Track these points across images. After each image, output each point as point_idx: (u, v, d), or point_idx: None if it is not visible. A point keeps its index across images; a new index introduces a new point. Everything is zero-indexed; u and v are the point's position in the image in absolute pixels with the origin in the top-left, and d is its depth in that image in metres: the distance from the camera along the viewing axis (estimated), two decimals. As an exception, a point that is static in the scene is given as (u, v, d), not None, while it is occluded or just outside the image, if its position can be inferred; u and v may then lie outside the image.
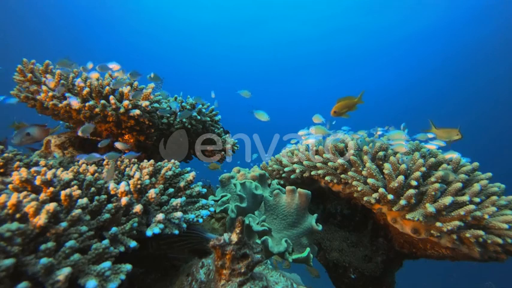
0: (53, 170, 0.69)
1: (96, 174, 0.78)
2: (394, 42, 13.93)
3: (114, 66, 1.20)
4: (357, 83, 18.39)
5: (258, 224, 0.86)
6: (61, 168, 0.79)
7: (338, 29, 13.44)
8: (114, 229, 0.60)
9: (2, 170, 0.83)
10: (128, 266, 0.55)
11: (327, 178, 1.16)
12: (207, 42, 15.84)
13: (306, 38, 14.52)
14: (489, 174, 0.99)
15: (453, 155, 1.02)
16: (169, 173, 0.84)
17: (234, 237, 0.56)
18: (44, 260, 0.45)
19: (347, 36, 13.78)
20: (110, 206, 0.66)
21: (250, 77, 19.74)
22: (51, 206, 0.53)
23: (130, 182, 0.72)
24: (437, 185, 0.89)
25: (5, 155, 0.86)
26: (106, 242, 0.57)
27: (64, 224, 0.55)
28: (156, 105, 1.24)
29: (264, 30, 14.21)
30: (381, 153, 1.06)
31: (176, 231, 0.71)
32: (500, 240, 0.82)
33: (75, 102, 1.05)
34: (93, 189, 0.71)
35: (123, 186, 0.68)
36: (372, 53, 15.07)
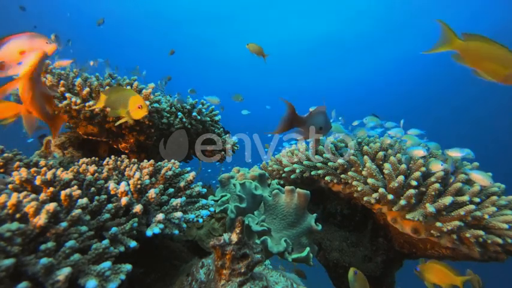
0: (53, 170, 0.69)
1: (96, 174, 0.78)
2: (395, 40, 13.89)
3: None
4: (358, 82, 18.35)
5: (257, 224, 0.86)
6: (61, 168, 0.79)
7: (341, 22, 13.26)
8: (114, 229, 0.60)
9: (2, 170, 0.83)
10: (128, 266, 0.55)
11: (327, 178, 1.16)
12: (206, 37, 15.53)
13: (311, 35, 14.32)
14: (489, 174, 0.99)
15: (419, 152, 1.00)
16: (169, 173, 0.84)
17: (234, 237, 0.56)
18: (44, 260, 0.45)
19: (348, 33, 13.67)
20: (110, 206, 0.66)
21: (249, 76, 19.65)
22: (51, 206, 0.53)
23: (130, 182, 0.72)
24: (437, 185, 0.89)
25: (5, 155, 0.86)
26: (106, 242, 0.57)
27: (64, 224, 0.55)
28: (156, 105, 1.24)
29: (270, 25, 13.99)
30: (380, 153, 1.06)
31: (176, 231, 0.71)
32: (500, 240, 0.82)
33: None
34: (93, 189, 0.71)
35: (123, 186, 0.68)
36: (373, 52, 15.02)
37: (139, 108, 0.83)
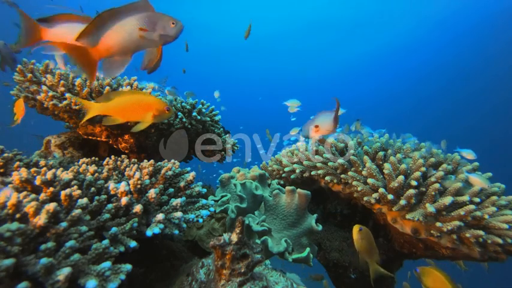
0: (53, 170, 0.69)
1: (96, 174, 0.78)
2: (390, 41, 13.86)
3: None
4: (357, 81, 18.34)
5: (257, 224, 0.86)
6: (61, 168, 0.79)
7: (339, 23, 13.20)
8: (114, 229, 0.60)
9: (2, 170, 0.83)
10: (128, 266, 0.55)
11: (327, 178, 1.16)
12: (207, 37, 15.39)
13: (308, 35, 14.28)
14: (489, 174, 0.99)
15: (469, 156, 1.02)
16: (169, 173, 0.84)
17: (234, 237, 0.56)
18: (44, 260, 0.45)
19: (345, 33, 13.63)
20: (110, 206, 0.66)
21: (250, 75, 19.57)
22: (51, 206, 0.53)
23: (130, 182, 0.72)
24: (437, 185, 0.89)
25: (5, 155, 0.86)
26: (106, 242, 0.57)
27: (64, 224, 0.55)
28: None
29: (270, 24, 13.89)
30: (380, 153, 1.06)
31: (176, 231, 0.71)
32: (500, 240, 0.82)
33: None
34: (93, 189, 0.71)
35: (123, 186, 0.68)
36: (371, 50, 14.98)
37: (167, 110, 0.86)
